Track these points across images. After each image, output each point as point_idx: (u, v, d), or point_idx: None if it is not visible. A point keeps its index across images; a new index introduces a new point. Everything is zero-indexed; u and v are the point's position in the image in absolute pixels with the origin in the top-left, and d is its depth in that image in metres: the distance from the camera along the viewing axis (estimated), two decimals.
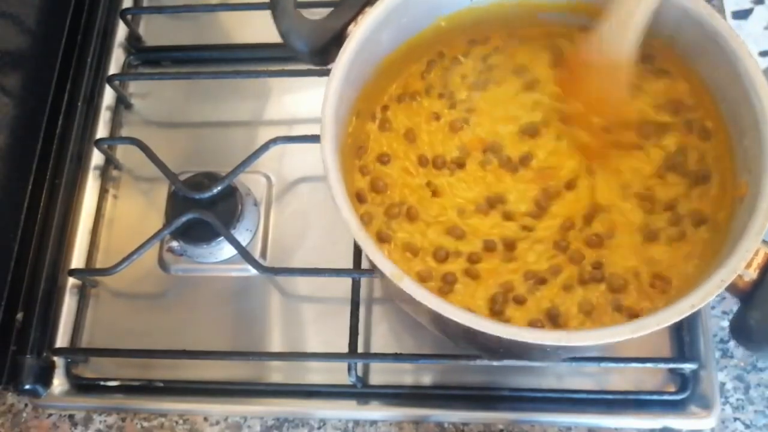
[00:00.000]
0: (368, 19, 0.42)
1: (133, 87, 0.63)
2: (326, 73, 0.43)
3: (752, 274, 0.36)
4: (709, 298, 0.35)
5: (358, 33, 0.42)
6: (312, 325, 0.54)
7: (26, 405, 0.54)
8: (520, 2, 0.46)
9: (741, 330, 0.37)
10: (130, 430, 0.52)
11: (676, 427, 0.49)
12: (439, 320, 0.36)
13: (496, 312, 0.42)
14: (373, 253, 0.37)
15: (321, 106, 0.40)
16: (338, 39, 0.42)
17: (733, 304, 0.52)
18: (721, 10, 0.59)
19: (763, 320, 0.36)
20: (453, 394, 0.51)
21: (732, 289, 0.36)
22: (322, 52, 0.43)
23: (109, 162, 0.60)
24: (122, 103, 0.63)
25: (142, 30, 0.65)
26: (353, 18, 0.43)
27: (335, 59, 0.42)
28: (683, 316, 0.34)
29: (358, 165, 0.47)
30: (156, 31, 0.65)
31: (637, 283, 0.42)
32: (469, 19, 0.47)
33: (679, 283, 0.41)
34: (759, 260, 0.36)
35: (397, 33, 0.45)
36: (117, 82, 0.61)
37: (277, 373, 0.53)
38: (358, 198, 0.46)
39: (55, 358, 0.54)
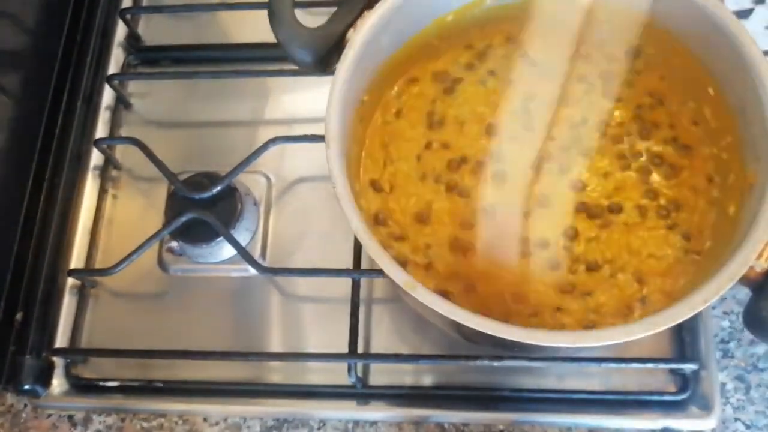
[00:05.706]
0: (368, 23, 0.42)
1: (133, 87, 0.63)
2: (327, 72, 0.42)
3: (764, 264, 0.36)
4: (721, 292, 0.35)
5: (358, 38, 0.41)
6: (312, 325, 0.54)
7: (25, 405, 0.54)
8: None
9: (753, 320, 0.37)
10: (129, 430, 0.52)
11: (676, 428, 0.49)
12: (453, 324, 0.36)
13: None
14: (385, 264, 0.37)
15: (325, 117, 0.39)
16: (338, 45, 0.42)
17: (734, 305, 0.52)
18: None
19: None
20: (453, 395, 0.51)
21: (743, 279, 0.36)
22: (323, 60, 0.42)
23: (109, 162, 0.60)
24: (121, 102, 0.62)
25: (141, 29, 0.65)
26: (352, 23, 0.42)
27: (336, 66, 0.41)
28: (696, 311, 0.34)
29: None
30: (155, 31, 0.65)
31: None
32: (477, 12, 0.46)
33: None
34: None
35: (399, 34, 0.44)
36: (116, 82, 0.61)
37: (277, 373, 0.53)
38: (374, 186, 0.46)
39: (55, 359, 0.54)
